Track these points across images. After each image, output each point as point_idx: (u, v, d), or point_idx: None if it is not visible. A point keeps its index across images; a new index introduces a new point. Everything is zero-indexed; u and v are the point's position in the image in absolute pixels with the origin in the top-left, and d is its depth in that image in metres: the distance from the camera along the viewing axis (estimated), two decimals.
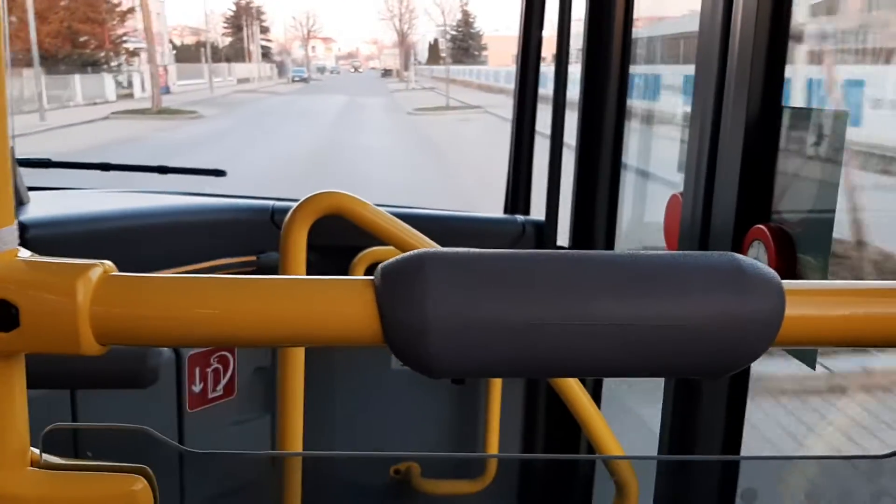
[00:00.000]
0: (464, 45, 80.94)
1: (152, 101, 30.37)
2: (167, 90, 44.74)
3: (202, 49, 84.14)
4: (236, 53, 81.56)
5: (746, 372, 1.60)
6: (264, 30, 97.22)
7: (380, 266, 0.54)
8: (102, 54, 42.45)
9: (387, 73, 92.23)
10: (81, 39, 42.01)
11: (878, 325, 0.58)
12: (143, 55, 58.85)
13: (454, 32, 79.66)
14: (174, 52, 67.93)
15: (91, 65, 40.49)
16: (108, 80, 37.36)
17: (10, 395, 0.55)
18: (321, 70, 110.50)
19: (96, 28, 41.99)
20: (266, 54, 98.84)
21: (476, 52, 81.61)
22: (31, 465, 0.58)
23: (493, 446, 2.37)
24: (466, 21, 75.93)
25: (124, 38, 44.42)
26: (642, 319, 0.53)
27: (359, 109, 33.13)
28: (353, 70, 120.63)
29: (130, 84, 41.56)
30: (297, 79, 73.68)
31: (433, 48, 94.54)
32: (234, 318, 0.54)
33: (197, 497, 1.93)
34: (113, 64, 42.89)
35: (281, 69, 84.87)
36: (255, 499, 1.80)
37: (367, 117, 29.21)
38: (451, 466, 2.40)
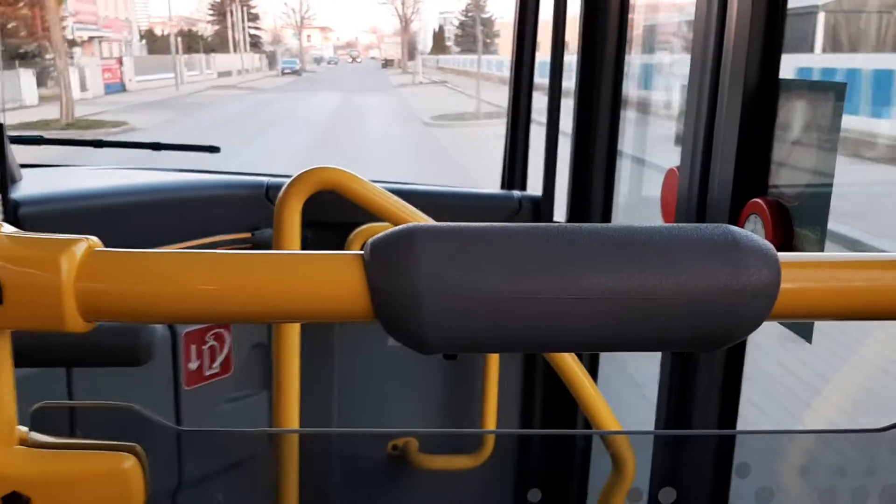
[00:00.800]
0: (474, 31, 71.07)
1: (61, 110, 20.13)
2: (122, 88, 38.05)
3: (185, 39, 74.35)
4: (223, 43, 76.44)
5: (742, 345, 1.62)
6: (253, 17, 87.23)
7: (370, 240, 0.55)
8: (35, 44, 32.63)
9: (388, 63, 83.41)
10: (10, 26, 32.18)
11: (876, 297, 0.59)
12: (101, 45, 48.76)
13: (463, 17, 69.94)
14: (148, 42, 57.86)
15: (19, 58, 30.61)
16: (25, 77, 27.10)
17: None
18: (318, 60, 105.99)
19: (22, 11, 32.10)
20: (256, 44, 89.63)
21: (488, 40, 71.58)
22: (20, 444, 0.58)
23: (491, 421, 2.42)
24: (477, 4, 65.77)
25: (63, 25, 34.52)
26: (637, 292, 0.53)
27: (356, 116, 23.58)
28: (350, 60, 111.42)
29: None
30: (287, 71, 67.98)
31: (438, 36, 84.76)
32: (219, 294, 0.54)
33: (191, 474, 1.57)
34: (48, 56, 34.42)
35: (272, 60, 78.93)
36: (252, 474, 1.53)
37: (368, 133, 19.49)
38: (449, 441, 2.38)
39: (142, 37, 63.51)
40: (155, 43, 63.72)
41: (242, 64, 58.59)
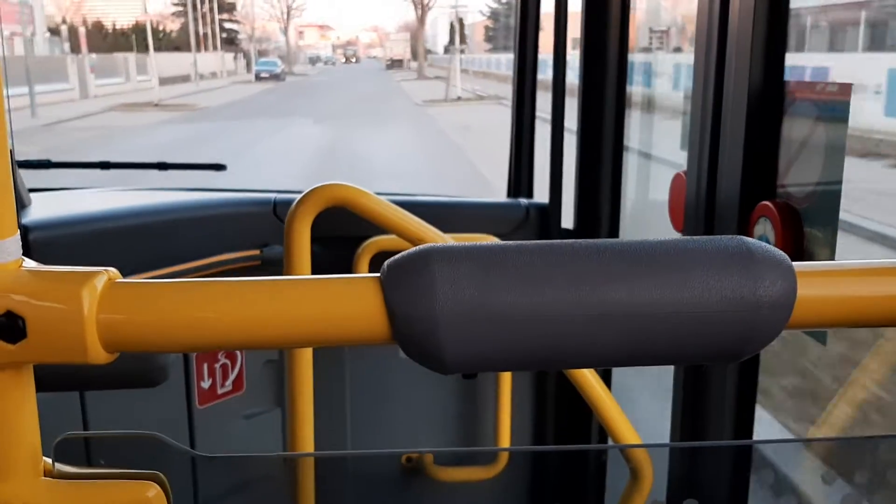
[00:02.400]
0: (505, 23, 53.63)
1: None
2: None
3: (135, 33, 55.80)
4: (195, 39, 61.98)
5: (756, 355, 1.70)
6: (228, 8, 68.47)
7: (386, 262, 0.57)
8: None
9: (394, 63, 64.45)
10: None
11: (893, 304, 0.60)
12: None
13: (495, 5, 52.20)
14: (70, 39, 40.24)
15: None
16: None
17: (21, 406, 0.57)
18: (313, 60, 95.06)
19: None
20: (231, 40, 70.62)
21: None
22: (45, 475, 0.60)
23: (505, 432, 2.47)
24: None
25: None
26: (653, 307, 0.55)
27: None
28: (344, 60, 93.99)
29: None
30: (264, 75, 53.62)
31: (457, 31, 65.98)
32: (240, 322, 0.56)
33: (210, 495, 1.90)
34: None
35: (251, 60, 65.87)
36: (269, 491, 1.72)
37: None
38: (463, 453, 2.57)
39: (50, 30, 45.72)
40: (87, 40, 45.36)
41: (196, 69, 41.16)
